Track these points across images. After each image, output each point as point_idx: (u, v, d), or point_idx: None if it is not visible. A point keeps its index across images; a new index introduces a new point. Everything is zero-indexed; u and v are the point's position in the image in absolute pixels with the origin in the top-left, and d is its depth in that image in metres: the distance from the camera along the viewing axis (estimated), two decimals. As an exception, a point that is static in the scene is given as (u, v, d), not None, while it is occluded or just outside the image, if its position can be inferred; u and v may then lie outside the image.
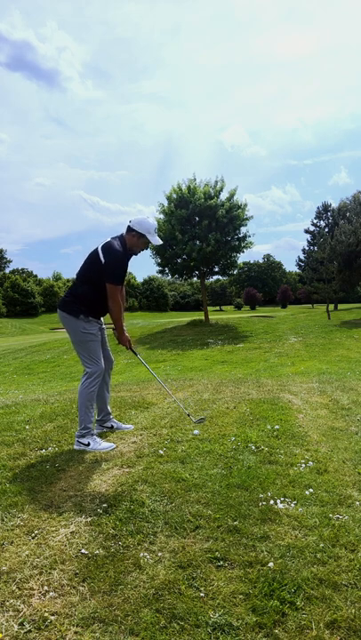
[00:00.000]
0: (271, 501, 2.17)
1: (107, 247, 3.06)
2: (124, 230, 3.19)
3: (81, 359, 3.17)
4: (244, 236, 18.78)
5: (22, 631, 1.37)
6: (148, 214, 3.23)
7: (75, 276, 3.30)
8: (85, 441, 3.06)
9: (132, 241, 3.15)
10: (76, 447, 3.07)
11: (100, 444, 3.07)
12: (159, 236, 19.27)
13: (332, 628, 1.38)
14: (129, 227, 3.12)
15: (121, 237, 3.16)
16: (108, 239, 3.13)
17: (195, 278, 21.18)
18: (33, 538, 1.89)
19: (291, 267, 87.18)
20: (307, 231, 41.73)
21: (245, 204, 18.59)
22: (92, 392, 3.12)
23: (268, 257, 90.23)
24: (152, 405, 4.37)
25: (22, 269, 74.35)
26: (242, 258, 21.52)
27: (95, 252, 3.10)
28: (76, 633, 1.37)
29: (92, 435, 3.12)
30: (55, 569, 1.67)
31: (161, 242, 3.24)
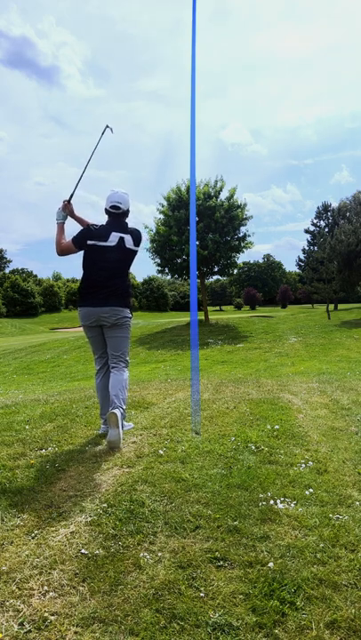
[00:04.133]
0: (271, 501, 2.17)
1: (136, 240, 3.28)
2: (126, 218, 3.35)
3: (122, 354, 3.28)
4: (244, 236, 18.78)
5: (22, 631, 1.37)
6: (114, 190, 3.28)
7: (108, 270, 3.23)
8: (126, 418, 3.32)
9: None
10: (118, 411, 3.00)
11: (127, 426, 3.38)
12: (158, 236, 19.14)
13: (332, 628, 1.38)
14: (128, 210, 3.29)
15: (127, 225, 3.31)
16: (125, 236, 3.22)
17: (195, 278, 21.16)
18: (33, 538, 1.89)
19: (291, 267, 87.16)
20: (307, 231, 41.73)
21: (245, 204, 18.59)
22: None
23: (268, 257, 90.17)
24: (152, 405, 4.37)
25: (22, 269, 74.32)
26: (242, 258, 21.58)
27: (126, 247, 3.22)
28: (76, 633, 1.37)
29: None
30: (55, 569, 1.67)
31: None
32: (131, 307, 3.28)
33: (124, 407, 3.08)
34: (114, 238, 3.17)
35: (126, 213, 3.29)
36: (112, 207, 3.21)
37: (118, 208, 3.20)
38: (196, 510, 2.09)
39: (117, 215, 3.23)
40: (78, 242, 3.21)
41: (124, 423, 3.49)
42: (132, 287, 3.38)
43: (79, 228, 3.34)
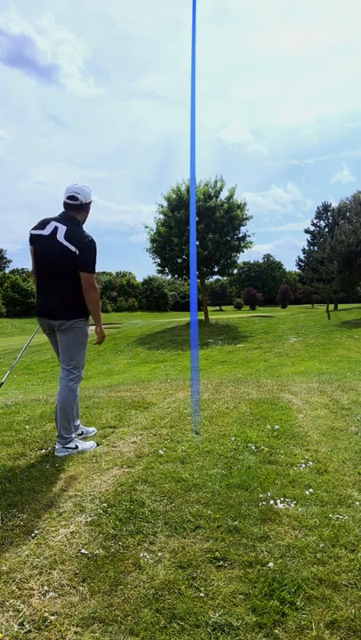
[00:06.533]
0: (271, 501, 2.17)
1: (73, 236, 2.82)
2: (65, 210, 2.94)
3: (70, 361, 2.97)
4: (244, 236, 18.80)
5: (22, 631, 1.37)
6: (74, 182, 2.96)
7: (44, 268, 2.90)
8: (73, 444, 2.96)
9: (86, 216, 2.99)
10: (62, 454, 2.91)
11: (84, 444, 3.02)
12: (158, 236, 19.10)
13: (332, 628, 1.38)
14: (85, 204, 2.94)
15: (74, 220, 2.91)
16: (60, 226, 2.83)
17: (195, 278, 21.17)
18: (33, 538, 1.89)
19: (291, 267, 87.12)
20: (307, 231, 41.73)
21: (245, 204, 18.61)
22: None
23: (268, 257, 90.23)
24: (152, 405, 4.37)
25: (22, 269, 74.38)
26: (242, 258, 21.63)
27: (57, 238, 2.80)
28: (76, 633, 1.37)
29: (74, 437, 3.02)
30: (55, 569, 1.67)
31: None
32: (80, 311, 2.90)
33: (66, 435, 2.92)
34: (49, 227, 2.84)
35: (83, 207, 2.94)
36: (68, 198, 2.90)
37: (76, 199, 2.88)
38: (196, 510, 2.09)
39: (70, 207, 2.91)
40: (29, 238, 2.95)
41: (84, 445, 3.05)
42: (79, 291, 2.86)
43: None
